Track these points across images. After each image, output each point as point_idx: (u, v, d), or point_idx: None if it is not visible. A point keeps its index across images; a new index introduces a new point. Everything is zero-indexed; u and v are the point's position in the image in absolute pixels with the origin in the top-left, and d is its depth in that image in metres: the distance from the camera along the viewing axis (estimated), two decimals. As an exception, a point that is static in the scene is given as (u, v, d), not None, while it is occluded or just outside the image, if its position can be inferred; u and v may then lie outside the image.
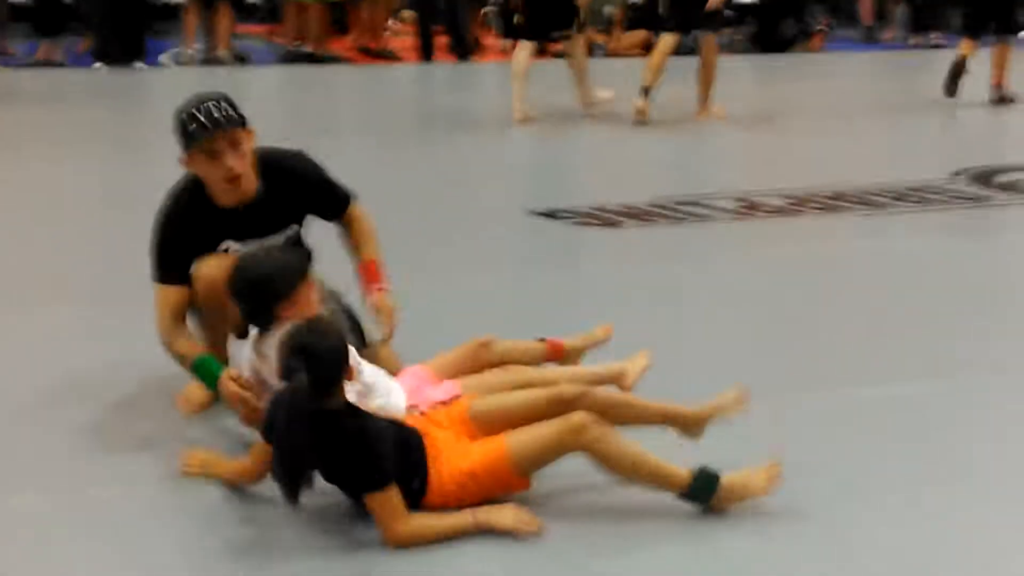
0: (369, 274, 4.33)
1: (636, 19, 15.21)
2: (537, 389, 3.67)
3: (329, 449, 3.31)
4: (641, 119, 10.18)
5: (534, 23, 10.53)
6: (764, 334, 5.25)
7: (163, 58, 13.29)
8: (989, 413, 4.37)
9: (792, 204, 7.54)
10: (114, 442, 4.00)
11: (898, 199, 7.76)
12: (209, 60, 13.12)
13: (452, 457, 3.40)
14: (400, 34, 15.50)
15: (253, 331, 3.84)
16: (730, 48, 15.69)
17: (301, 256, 3.98)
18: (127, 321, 4.77)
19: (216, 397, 4.17)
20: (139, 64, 12.80)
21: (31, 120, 10.14)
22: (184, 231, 4.08)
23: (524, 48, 10.38)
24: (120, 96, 11.72)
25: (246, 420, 3.86)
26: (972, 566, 3.20)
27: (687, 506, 3.38)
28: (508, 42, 14.66)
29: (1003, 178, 8.47)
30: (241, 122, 4.02)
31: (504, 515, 3.35)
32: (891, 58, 15.78)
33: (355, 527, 3.39)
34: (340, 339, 3.42)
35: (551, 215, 7.20)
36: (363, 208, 4.45)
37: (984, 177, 8.47)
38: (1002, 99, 11.83)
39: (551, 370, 4.04)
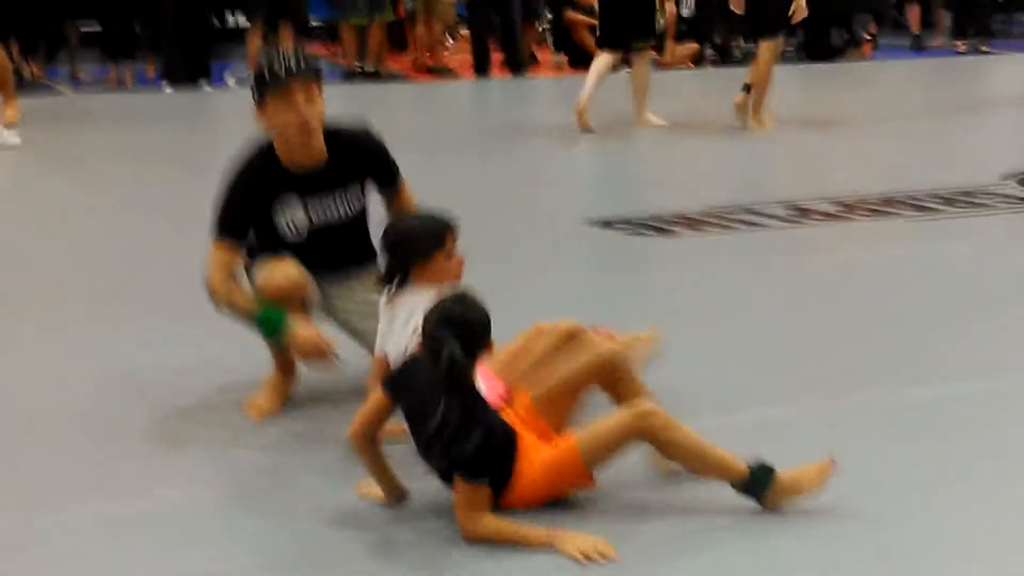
0: None
1: (686, 31, 15.15)
2: (581, 356, 3.72)
3: (458, 424, 3.35)
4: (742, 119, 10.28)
5: (611, 31, 10.41)
6: (814, 336, 5.24)
7: (229, 79, 13.43)
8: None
9: (842, 210, 7.53)
10: (180, 445, 4.07)
11: (947, 203, 7.72)
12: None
13: (534, 458, 3.41)
14: (457, 51, 15.61)
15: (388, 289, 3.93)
16: (780, 58, 15.77)
17: (444, 227, 3.96)
18: (193, 327, 4.88)
19: (282, 400, 4.30)
20: (205, 85, 12.94)
21: (103, 140, 10.27)
22: (251, 191, 4.15)
23: (604, 56, 10.29)
24: (187, 116, 11.85)
25: (315, 362, 4.07)
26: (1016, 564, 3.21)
27: (735, 507, 3.40)
28: (562, 57, 14.87)
29: None
30: (317, 74, 4.12)
31: (579, 541, 3.32)
32: (939, 65, 15.64)
33: (423, 520, 3.41)
34: (486, 312, 3.42)
35: (608, 224, 7.25)
36: (410, 188, 4.52)
37: None
38: None
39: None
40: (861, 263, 6.46)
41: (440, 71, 14.35)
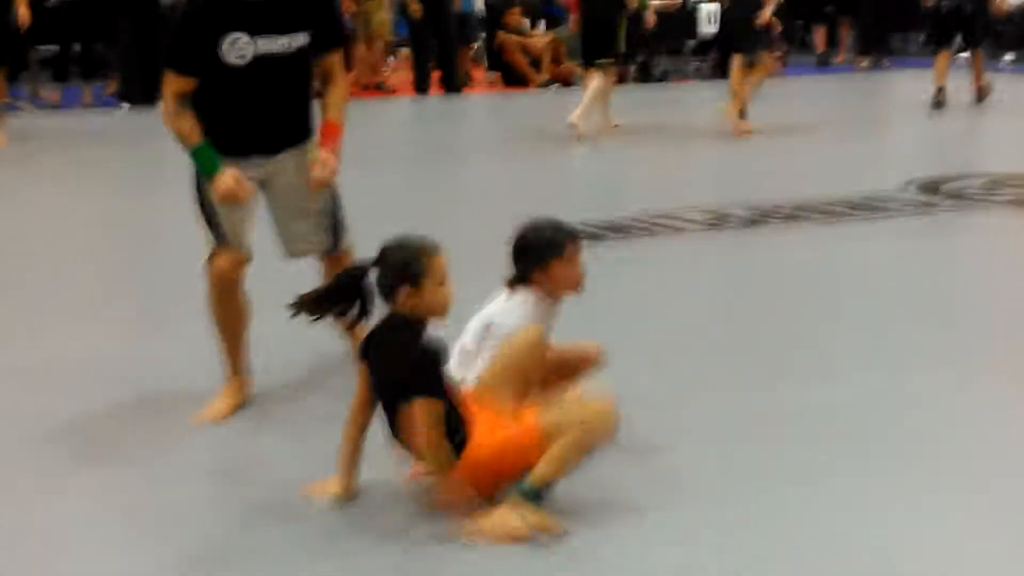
0: (330, 134, 4.40)
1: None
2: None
3: (393, 349, 3.46)
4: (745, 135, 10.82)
5: (584, 48, 10.97)
6: (719, 335, 5.33)
7: None
8: (929, 408, 4.40)
9: (757, 216, 7.68)
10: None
11: (853, 209, 7.89)
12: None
13: (486, 431, 3.47)
14: (396, 71, 15.66)
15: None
16: (697, 75, 16.18)
17: (565, 236, 3.96)
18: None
19: (234, 408, 4.37)
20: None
21: (66, 155, 10.48)
22: (204, 22, 4.13)
23: (596, 76, 10.79)
24: (144, 134, 11.80)
25: (229, 200, 4.11)
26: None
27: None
28: (495, 75, 15.13)
29: (949, 186, 8.64)
30: None
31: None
32: (842, 80, 15.92)
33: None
34: (409, 252, 3.48)
35: None
36: (344, 70, 4.56)
37: (932, 186, 8.62)
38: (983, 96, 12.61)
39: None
40: (771, 265, 6.60)
41: (382, 89, 14.46)
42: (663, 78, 15.76)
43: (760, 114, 11.23)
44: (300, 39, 4.24)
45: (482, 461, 3.45)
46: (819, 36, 17.48)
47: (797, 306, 5.81)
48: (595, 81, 10.74)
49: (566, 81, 14.89)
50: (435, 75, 14.55)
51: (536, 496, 3.42)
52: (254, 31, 4.12)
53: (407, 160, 10.56)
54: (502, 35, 14.88)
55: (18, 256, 6.93)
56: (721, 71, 15.51)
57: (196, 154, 4.15)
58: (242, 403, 4.43)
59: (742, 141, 10.80)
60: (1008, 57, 17.13)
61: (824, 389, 4.58)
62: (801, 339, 5.28)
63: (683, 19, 15.81)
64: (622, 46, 11.05)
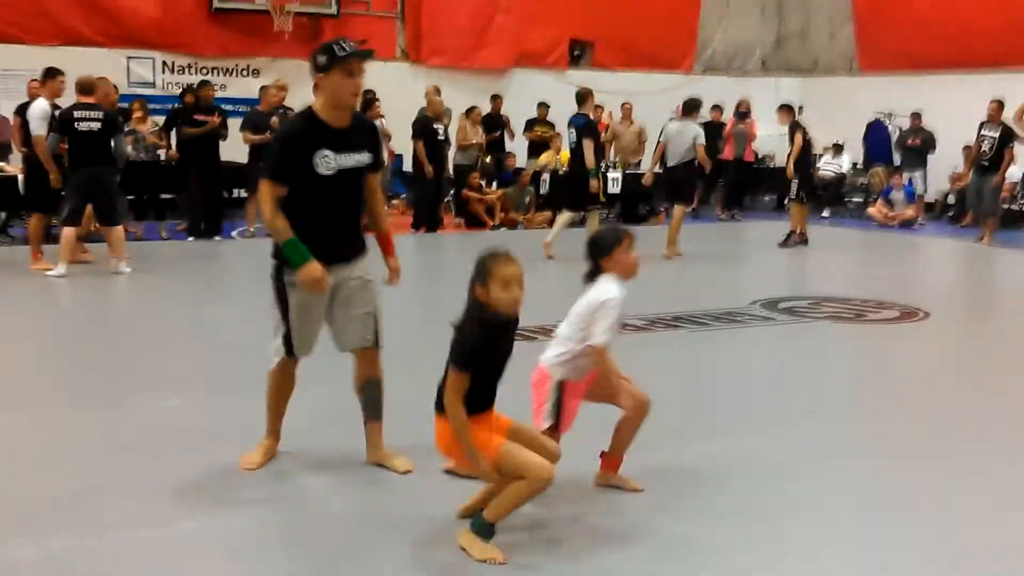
0: (391, 243, 4.39)
1: (542, 203, 15.42)
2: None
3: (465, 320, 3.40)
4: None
5: (568, 200, 11.53)
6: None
7: (234, 234, 13.25)
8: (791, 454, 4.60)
9: (647, 323, 7.68)
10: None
11: (716, 319, 7.97)
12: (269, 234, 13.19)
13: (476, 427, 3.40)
14: (390, 215, 15.70)
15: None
16: (606, 221, 16.34)
17: (621, 232, 3.99)
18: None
19: (268, 458, 4.32)
20: (218, 238, 12.79)
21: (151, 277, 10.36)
22: (301, 141, 4.03)
23: (566, 214, 11.35)
24: (206, 258, 11.78)
25: (314, 286, 3.97)
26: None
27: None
28: (460, 220, 15.10)
29: (784, 304, 8.74)
30: (369, 55, 4.12)
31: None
32: (709, 228, 15.83)
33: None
34: (489, 255, 3.43)
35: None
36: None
37: (772, 304, 8.70)
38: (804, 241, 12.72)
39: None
40: (660, 359, 6.50)
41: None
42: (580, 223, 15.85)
43: (647, 249, 11.12)
44: (365, 158, 4.19)
45: (455, 442, 3.43)
46: (695, 193, 17.46)
47: (684, 386, 5.89)
48: (564, 216, 11.34)
49: (512, 224, 15.12)
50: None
51: (488, 531, 3.44)
52: (337, 149, 4.06)
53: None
54: (466, 192, 15.03)
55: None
56: (621, 219, 15.89)
57: (290, 245, 3.99)
58: (274, 455, 4.44)
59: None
60: (826, 213, 17.45)
61: (708, 445, 4.71)
62: (687, 408, 5.36)
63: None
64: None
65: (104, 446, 4.69)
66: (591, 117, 11.75)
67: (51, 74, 10.15)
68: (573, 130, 11.42)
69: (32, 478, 4.23)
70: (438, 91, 14.47)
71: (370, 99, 14.54)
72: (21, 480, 4.20)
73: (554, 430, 3.93)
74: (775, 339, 7.74)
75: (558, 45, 18.62)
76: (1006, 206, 15.05)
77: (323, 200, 4.07)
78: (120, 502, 3.94)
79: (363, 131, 4.23)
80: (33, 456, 4.56)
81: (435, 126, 14.10)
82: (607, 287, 3.92)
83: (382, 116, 14.90)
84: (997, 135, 13.65)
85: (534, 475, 3.37)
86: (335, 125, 4.08)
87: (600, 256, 3.95)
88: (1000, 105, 13.67)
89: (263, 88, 13.22)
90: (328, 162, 4.02)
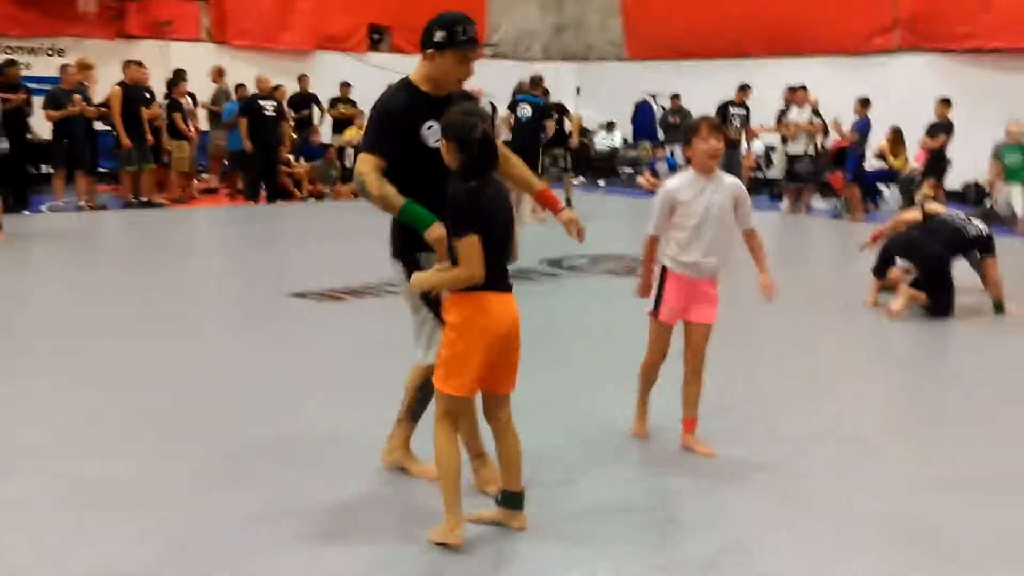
0: (551, 200, 3.76)
1: (348, 177, 15.08)
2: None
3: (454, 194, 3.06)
4: None
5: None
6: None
7: (43, 207, 12.73)
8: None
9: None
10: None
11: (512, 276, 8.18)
12: (79, 207, 12.72)
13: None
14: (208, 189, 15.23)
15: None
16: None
17: (700, 121, 3.83)
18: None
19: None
20: (26, 212, 12.23)
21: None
22: (407, 113, 3.51)
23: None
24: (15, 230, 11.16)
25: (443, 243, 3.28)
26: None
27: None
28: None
29: (566, 262, 9.00)
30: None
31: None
32: None
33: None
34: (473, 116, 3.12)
35: (301, 295, 7.32)
36: None
37: (556, 262, 8.94)
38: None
39: None
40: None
41: (182, 201, 14.06)
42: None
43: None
44: None
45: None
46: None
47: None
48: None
49: (319, 195, 14.94)
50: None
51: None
52: (440, 119, 3.42)
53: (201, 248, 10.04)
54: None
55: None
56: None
57: (408, 209, 3.40)
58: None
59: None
60: (601, 182, 18.05)
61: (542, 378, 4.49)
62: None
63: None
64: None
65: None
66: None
67: None
68: (529, 106, 11.80)
69: None
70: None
71: (177, 78, 14.17)
72: None
73: (655, 316, 4.00)
74: (561, 290, 7.97)
75: (358, 29, 18.45)
76: (751, 175, 16.07)
77: (427, 173, 3.44)
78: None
79: (462, 100, 3.66)
80: None
81: (260, 102, 13.95)
82: (677, 175, 3.93)
83: (189, 94, 14.52)
84: (745, 113, 14.56)
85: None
86: (436, 95, 3.57)
87: (682, 145, 3.92)
88: (745, 88, 14.61)
89: (63, 67, 12.93)
90: (435, 133, 3.46)
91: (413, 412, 3.81)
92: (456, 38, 3.46)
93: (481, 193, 3.05)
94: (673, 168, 17.12)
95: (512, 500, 3.24)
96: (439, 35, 3.46)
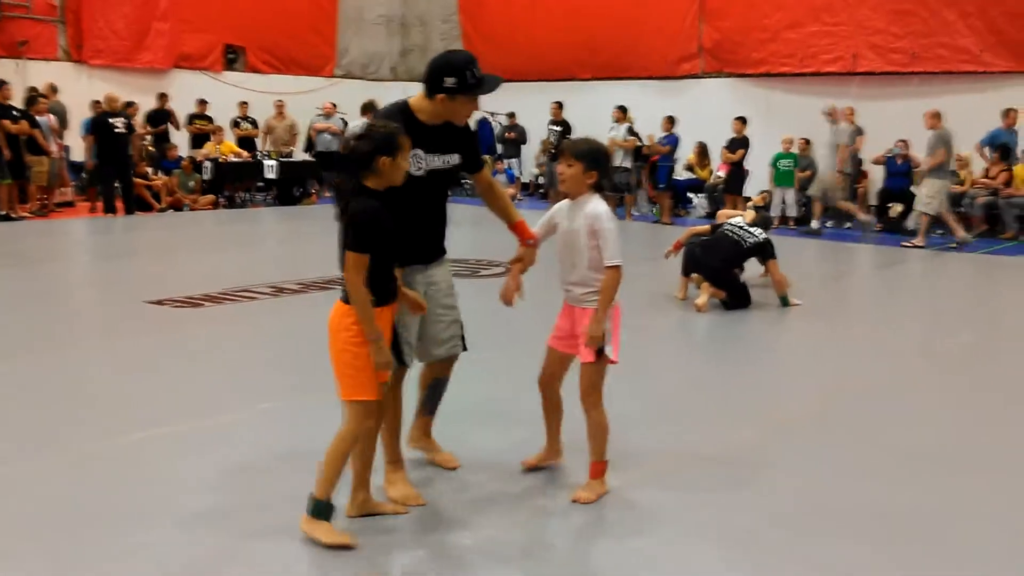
0: (524, 231, 3.65)
1: (206, 188, 14.96)
2: None
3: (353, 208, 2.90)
4: None
5: None
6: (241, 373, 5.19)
7: None
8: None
9: (301, 287, 7.72)
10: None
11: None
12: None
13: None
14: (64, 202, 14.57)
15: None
16: (264, 203, 16.15)
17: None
18: None
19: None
20: None
21: None
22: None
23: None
24: None
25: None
26: None
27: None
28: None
29: None
30: None
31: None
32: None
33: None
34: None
35: (160, 303, 7.12)
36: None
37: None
38: None
39: None
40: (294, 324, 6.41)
41: (41, 214, 13.43)
42: (244, 205, 15.64)
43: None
44: (454, 159, 3.46)
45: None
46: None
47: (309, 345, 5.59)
48: None
49: (178, 205, 14.56)
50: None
51: (325, 511, 3.02)
52: (428, 149, 3.32)
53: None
54: (137, 180, 14.22)
55: None
56: (278, 201, 15.82)
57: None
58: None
59: (285, 242, 10.51)
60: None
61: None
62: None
63: (254, 166, 15.77)
64: None
65: None
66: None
67: None
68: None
69: None
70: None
71: (33, 97, 13.51)
72: None
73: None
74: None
75: (214, 49, 17.92)
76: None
77: (415, 202, 3.29)
78: None
79: (456, 131, 3.46)
80: None
81: (110, 120, 13.38)
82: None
83: (48, 113, 13.85)
84: (560, 130, 15.43)
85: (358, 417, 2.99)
86: (431, 123, 3.35)
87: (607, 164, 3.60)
88: (559, 105, 15.67)
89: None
90: (419, 161, 3.29)
91: (424, 406, 3.78)
92: (467, 84, 3.27)
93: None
94: (512, 180, 17.52)
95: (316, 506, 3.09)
96: (450, 81, 3.25)
